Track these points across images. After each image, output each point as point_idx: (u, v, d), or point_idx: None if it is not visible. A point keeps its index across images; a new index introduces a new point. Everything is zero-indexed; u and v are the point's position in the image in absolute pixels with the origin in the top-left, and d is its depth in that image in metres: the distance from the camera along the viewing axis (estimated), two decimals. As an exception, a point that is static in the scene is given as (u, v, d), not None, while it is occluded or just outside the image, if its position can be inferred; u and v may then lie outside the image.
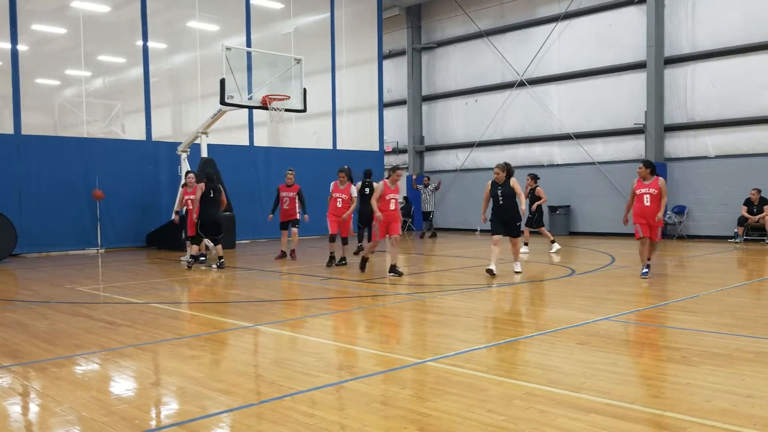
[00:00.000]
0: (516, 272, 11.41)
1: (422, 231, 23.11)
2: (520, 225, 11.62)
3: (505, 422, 4.15)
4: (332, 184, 13.74)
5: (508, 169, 11.31)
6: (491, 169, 25.00)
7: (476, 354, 6.00)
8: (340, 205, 13.51)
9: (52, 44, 19.51)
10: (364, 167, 22.23)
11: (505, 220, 11.33)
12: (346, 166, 13.86)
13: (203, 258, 14.06)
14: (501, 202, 11.22)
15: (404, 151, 28.25)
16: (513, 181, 11.25)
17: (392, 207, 11.77)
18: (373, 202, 11.60)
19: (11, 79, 16.98)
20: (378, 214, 11.49)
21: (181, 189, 13.84)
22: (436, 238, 21.57)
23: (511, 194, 11.19)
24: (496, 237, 11.33)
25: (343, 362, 5.96)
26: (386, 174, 12.22)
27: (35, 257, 16.76)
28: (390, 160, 28.68)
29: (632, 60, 20.57)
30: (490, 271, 11.07)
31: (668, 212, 19.78)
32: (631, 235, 20.68)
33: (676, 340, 6.65)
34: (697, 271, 12.51)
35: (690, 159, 19.52)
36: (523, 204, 11.37)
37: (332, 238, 13.54)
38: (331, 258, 13.48)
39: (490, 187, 11.43)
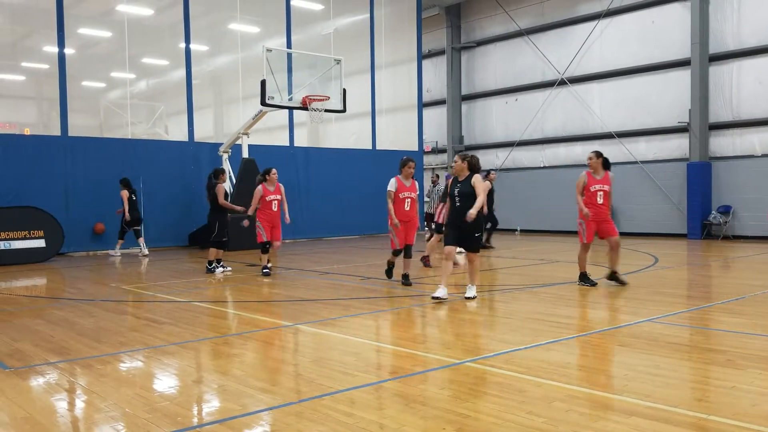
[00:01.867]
0: (467, 297, 8.94)
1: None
2: (480, 237, 9.13)
3: (545, 424, 4.11)
4: (393, 180, 10.46)
5: (470, 162, 8.94)
6: (531, 168, 24.97)
7: (516, 355, 5.96)
8: (408, 208, 10.43)
9: (97, 47, 19.93)
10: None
11: (461, 227, 8.81)
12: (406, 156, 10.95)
13: (224, 267, 13.04)
14: (458, 204, 8.80)
15: (443, 151, 28.22)
16: (475, 178, 8.81)
17: (600, 200, 9.80)
18: (578, 194, 9.55)
19: (59, 81, 17.40)
20: (585, 210, 9.55)
21: (260, 186, 12.35)
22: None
23: (471, 194, 8.72)
24: (449, 248, 8.92)
25: (382, 362, 5.98)
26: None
27: (81, 256, 17.14)
28: (429, 160, 28.66)
29: (676, 57, 20.23)
30: (437, 299, 8.73)
31: (713, 212, 19.42)
32: (674, 236, 20.51)
33: (720, 342, 6.51)
34: (742, 272, 12.23)
35: (736, 158, 19.13)
36: (476, 206, 8.57)
37: (397, 253, 10.70)
38: (391, 271, 11.09)
39: (450, 184, 9.16)
